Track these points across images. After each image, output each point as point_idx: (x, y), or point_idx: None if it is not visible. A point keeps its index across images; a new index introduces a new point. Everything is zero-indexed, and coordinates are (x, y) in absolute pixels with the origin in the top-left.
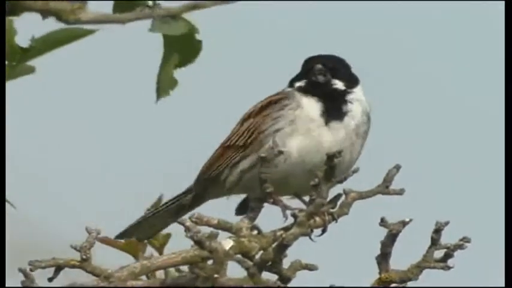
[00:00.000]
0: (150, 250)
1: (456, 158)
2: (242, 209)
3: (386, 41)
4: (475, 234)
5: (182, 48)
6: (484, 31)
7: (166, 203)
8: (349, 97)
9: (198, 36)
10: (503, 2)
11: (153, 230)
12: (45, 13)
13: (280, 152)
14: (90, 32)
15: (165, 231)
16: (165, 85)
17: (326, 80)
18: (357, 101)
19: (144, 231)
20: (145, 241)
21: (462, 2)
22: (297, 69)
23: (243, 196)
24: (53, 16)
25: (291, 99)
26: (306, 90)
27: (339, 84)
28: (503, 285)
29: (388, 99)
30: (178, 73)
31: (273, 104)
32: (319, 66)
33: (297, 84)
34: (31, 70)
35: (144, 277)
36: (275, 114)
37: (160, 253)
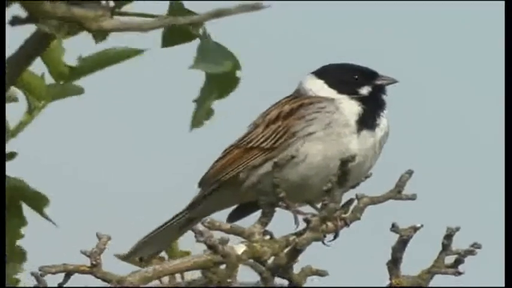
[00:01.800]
0: None
1: (468, 164)
2: (234, 216)
3: (389, 45)
4: (485, 240)
5: (222, 82)
6: (484, 31)
7: (174, 218)
8: (384, 109)
9: (238, 73)
10: (503, 2)
11: (160, 247)
12: (67, 20)
13: (293, 157)
14: (139, 51)
15: (184, 248)
16: (201, 116)
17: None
18: (387, 114)
19: (149, 249)
20: (166, 259)
21: (462, 2)
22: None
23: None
24: (75, 23)
25: (327, 102)
26: (369, 97)
27: (385, 95)
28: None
29: (401, 103)
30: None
31: (305, 106)
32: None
33: (363, 90)
34: (80, 91)
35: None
36: (309, 117)
37: None
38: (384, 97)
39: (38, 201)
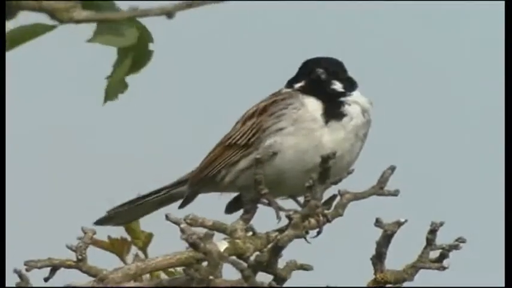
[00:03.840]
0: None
1: (451, 158)
2: (232, 207)
3: (382, 40)
4: (470, 234)
5: (136, 54)
6: (484, 31)
7: (155, 193)
8: (347, 99)
9: (151, 46)
10: (503, 2)
11: (134, 217)
12: (39, 12)
13: (275, 153)
14: (51, 27)
15: (147, 230)
16: (114, 89)
17: (327, 79)
18: (356, 103)
19: (124, 218)
20: (130, 240)
21: (462, 2)
22: (288, 69)
23: (234, 194)
24: (46, 15)
25: (294, 98)
26: (306, 91)
27: (337, 85)
28: (500, 285)
29: (382, 99)
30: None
31: (277, 103)
32: (320, 70)
33: (298, 85)
34: None
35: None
36: (278, 113)
37: (144, 252)
38: (342, 86)
39: None
